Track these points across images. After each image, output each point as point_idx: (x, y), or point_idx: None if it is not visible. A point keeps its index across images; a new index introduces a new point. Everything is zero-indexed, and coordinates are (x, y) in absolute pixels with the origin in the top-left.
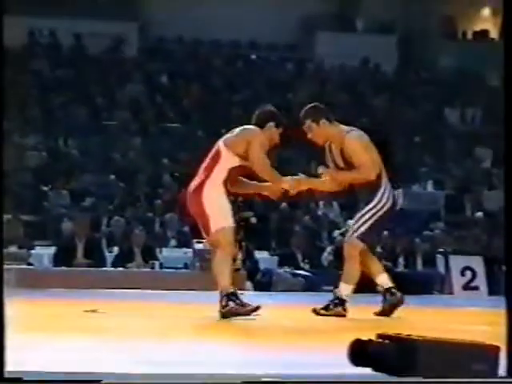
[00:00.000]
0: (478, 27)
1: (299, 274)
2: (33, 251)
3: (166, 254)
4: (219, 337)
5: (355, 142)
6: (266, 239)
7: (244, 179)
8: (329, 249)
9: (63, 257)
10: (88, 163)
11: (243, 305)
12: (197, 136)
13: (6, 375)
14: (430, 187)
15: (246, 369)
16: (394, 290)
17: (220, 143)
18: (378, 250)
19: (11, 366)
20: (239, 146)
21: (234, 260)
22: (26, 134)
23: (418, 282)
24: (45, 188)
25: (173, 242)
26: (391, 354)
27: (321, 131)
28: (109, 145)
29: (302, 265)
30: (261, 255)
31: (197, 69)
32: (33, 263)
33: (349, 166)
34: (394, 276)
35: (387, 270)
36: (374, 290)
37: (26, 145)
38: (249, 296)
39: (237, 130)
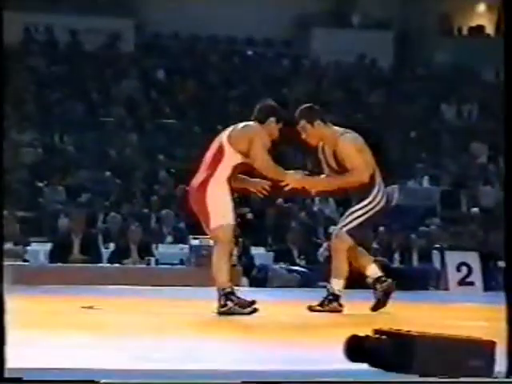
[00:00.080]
0: (474, 23)
1: (295, 270)
2: (29, 248)
3: (162, 250)
4: (215, 333)
5: (349, 145)
6: (262, 235)
7: (244, 176)
8: (325, 245)
9: (59, 253)
10: (84, 159)
11: (242, 305)
12: (193, 132)
13: (6, 375)
14: (425, 183)
15: (242, 365)
16: (383, 278)
17: (223, 140)
18: (374, 246)
19: (8, 362)
20: (241, 143)
21: (230, 256)
22: (22, 130)
23: (413, 278)
24: (40, 184)
25: (169, 238)
26: (388, 349)
27: (315, 132)
28: (105, 141)
29: (297, 261)
30: (257, 251)
31: (193, 65)
32: (29, 260)
33: (341, 167)
34: (389, 272)
35: (383, 266)
36: (367, 286)
37: (21, 141)
38: (244, 292)
39: (239, 126)
